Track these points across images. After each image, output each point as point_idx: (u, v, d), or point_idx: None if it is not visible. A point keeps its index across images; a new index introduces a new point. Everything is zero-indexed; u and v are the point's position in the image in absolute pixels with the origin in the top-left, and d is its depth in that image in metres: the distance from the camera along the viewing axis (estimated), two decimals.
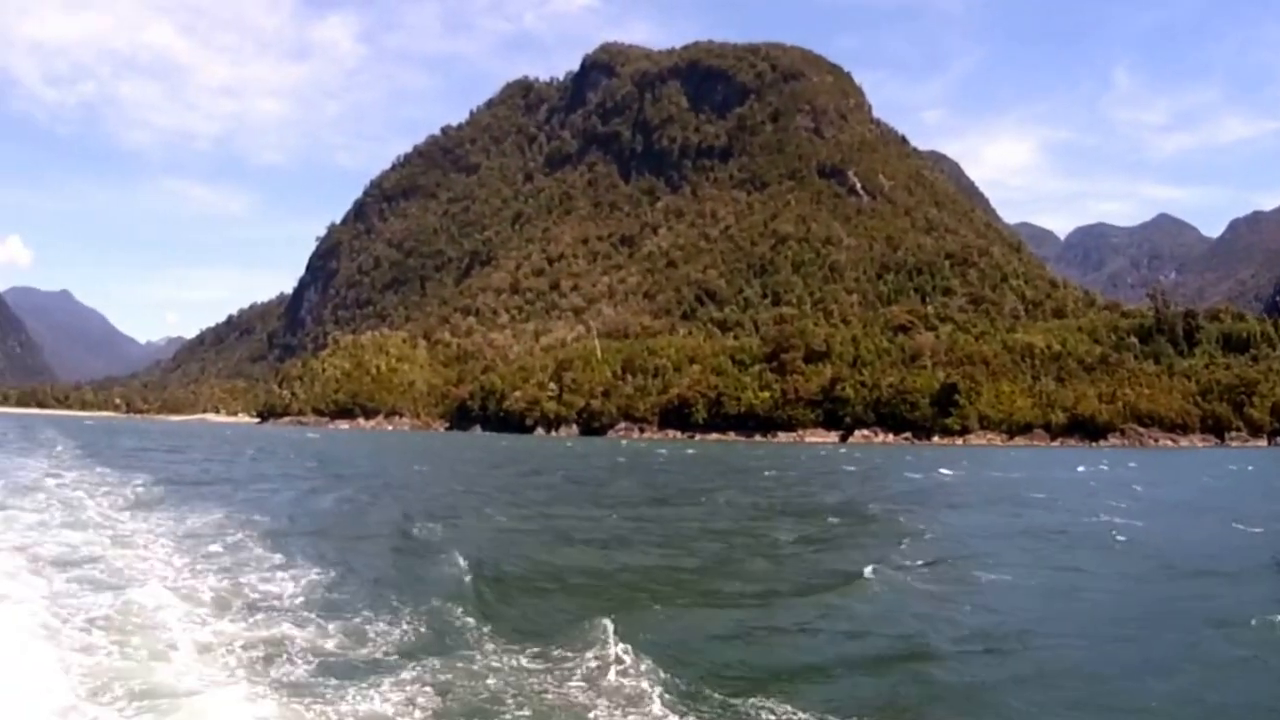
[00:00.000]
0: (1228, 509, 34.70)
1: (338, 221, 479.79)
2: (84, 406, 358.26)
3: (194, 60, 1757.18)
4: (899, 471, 61.07)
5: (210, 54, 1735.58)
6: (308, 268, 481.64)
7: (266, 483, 43.19)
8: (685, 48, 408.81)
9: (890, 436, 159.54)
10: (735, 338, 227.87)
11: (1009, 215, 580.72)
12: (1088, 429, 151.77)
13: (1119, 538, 25.08)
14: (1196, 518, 33.27)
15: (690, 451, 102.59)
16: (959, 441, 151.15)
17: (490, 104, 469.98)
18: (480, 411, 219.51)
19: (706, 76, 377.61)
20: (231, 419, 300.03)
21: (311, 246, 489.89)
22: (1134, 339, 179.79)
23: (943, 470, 58.91)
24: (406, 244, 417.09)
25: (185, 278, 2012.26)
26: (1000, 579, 18.80)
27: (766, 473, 57.03)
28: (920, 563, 19.97)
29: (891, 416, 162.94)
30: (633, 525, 26.96)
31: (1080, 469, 67.40)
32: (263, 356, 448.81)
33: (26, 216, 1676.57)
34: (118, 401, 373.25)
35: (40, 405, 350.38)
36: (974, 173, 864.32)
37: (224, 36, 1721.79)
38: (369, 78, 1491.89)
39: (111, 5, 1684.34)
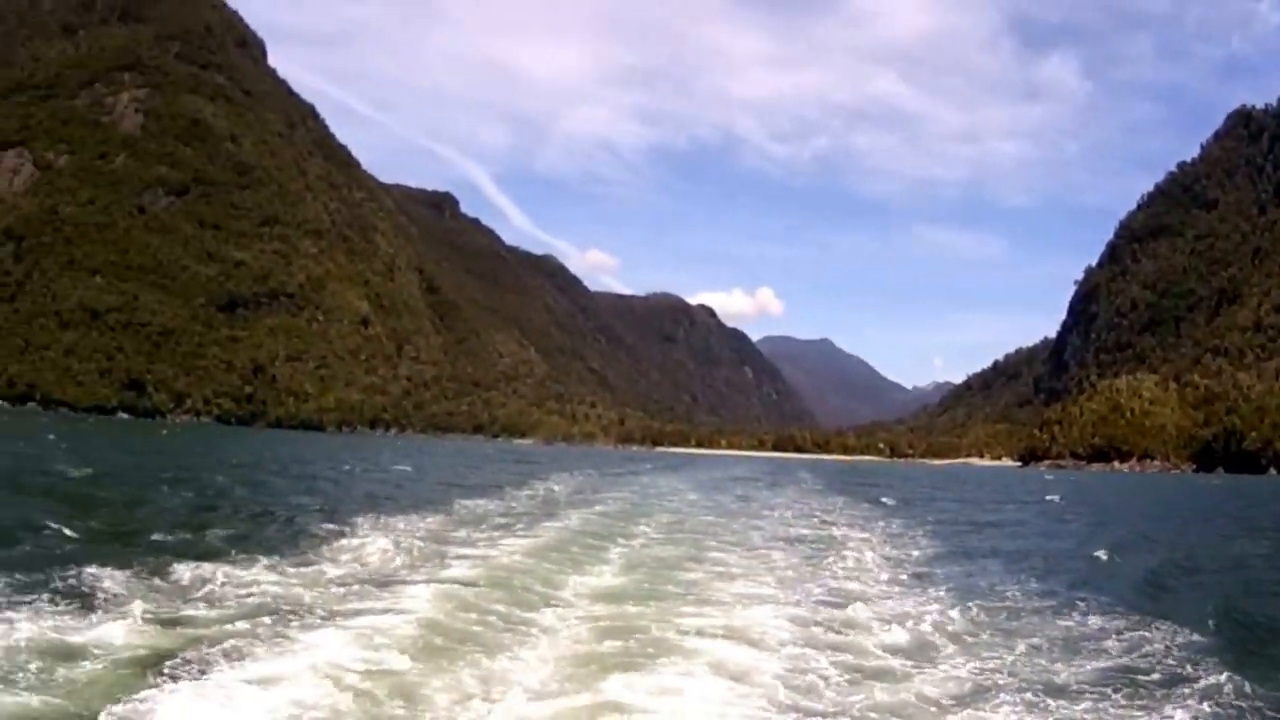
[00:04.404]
0: None
1: (1093, 264, 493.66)
2: (845, 451, 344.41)
3: (923, 108, 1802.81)
4: None
5: (938, 100, 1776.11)
6: (1069, 311, 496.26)
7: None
8: None
9: None
10: None
11: None
12: None
13: None
14: None
15: None
16: None
17: (1217, 135, 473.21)
18: (1223, 453, 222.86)
19: None
20: (994, 462, 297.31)
21: (1065, 287, 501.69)
22: None
23: None
24: (1159, 285, 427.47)
25: (947, 323, 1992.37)
26: None
27: None
28: None
29: None
30: None
31: None
32: (1028, 401, 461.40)
33: (774, 268, 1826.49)
34: (881, 445, 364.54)
35: (797, 449, 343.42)
36: None
37: (948, 82, 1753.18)
38: (1100, 113, 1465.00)
39: (827, 61, 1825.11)
